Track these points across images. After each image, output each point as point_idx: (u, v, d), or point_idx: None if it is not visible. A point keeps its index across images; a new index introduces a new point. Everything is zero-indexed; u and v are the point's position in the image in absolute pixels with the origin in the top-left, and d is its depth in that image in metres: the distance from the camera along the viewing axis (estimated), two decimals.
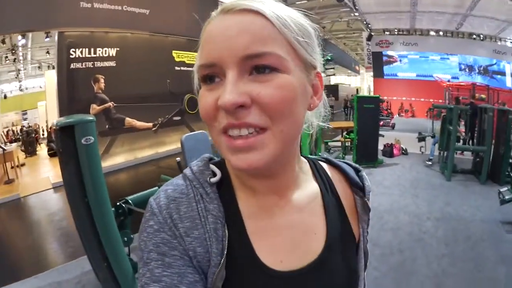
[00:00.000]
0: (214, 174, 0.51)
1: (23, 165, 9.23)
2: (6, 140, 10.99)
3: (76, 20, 6.53)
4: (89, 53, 6.76)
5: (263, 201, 0.51)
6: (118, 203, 2.62)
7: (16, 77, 15.41)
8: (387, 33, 16.77)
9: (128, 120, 7.62)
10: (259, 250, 0.48)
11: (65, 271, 3.09)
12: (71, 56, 6.51)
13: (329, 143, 8.01)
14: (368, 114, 6.31)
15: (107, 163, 7.05)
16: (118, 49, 7.28)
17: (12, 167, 7.77)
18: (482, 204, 4.40)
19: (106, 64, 7.12)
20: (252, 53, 0.39)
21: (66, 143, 2.03)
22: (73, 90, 6.65)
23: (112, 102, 7.22)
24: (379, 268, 2.90)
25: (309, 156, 0.62)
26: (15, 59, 12.92)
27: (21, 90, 16.67)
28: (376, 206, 4.20)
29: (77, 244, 3.00)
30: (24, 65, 14.55)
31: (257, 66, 0.40)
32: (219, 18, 0.43)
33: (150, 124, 8.04)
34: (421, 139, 7.24)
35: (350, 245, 0.57)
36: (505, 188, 3.92)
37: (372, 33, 16.73)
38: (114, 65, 7.25)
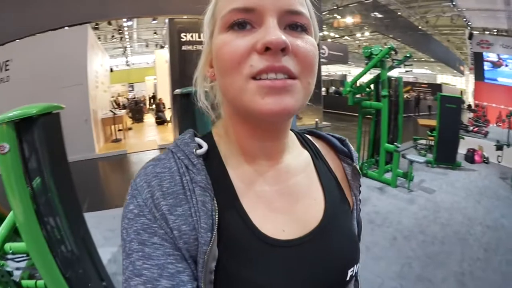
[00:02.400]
0: (200, 147, 0.51)
1: (130, 129, 11.22)
2: (116, 107, 13.21)
3: (183, 8, 8.10)
4: (199, 37, 8.23)
5: (257, 168, 0.52)
6: None
7: (123, 53, 18.06)
8: (487, 32, 15.43)
9: None
10: (258, 220, 0.48)
11: None
12: (182, 39, 8.15)
13: (418, 140, 8.14)
14: (449, 114, 6.37)
15: None
16: None
17: (120, 130, 9.66)
18: None
19: None
20: (295, 10, 0.44)
21: (186, 105, 3.04)
22: (184, 68, 8.22)
23: None
24: (415, 251, 3.34)
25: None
26: (121, 37, 15.21)
27: (127, 65, 19.43)
28: (438, 201, 4.63)
29: None
30: (131, 43, 16.95)
31: (293, 23, 0.44)
32: None
33: None
34: (499, 147, 7.06)
35: (347, 211, 0.59)
36: None
37: (473, 32, 15.61)
38: None
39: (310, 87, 0.46)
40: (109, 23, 12.28)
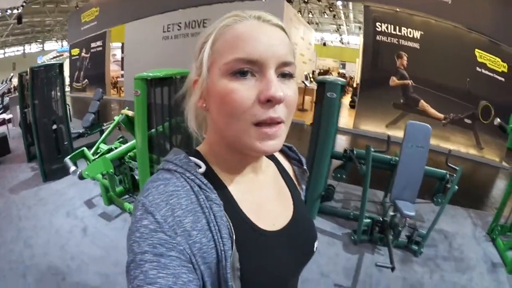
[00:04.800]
0: (197, 166, 0.59)
1: None
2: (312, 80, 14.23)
3: None
4: (394, 30, 7.99)
5: (246, 180, 0.64)
6: (346, 149, 3.65)
7: (337, 31, 18.86)
8: None
9: (423, 103, 8.28)
10: (256, 220, 0.60)
11: None
12: (377, 29, 8.08)
13: None
14: None
15: (391, 132, 8.20)
16: (422, 32, 8.05)
17: (311, 102, 10.64)
18: None
19: (410, 44, 8.13)
20: (287, 61, 0.53)
21: (320, 93, 3.33)
22: (376, 59, 8.31)
23: (411, 81, 8.21)
24: None
25: None
26: (334, 15, 15.86)
27: (341, 42, 20.21)
28: None
29: None
30: (347, 23, 17.53)
31: (285, 72, 0.53)
32: (256, 23, 0.54)
33: (441, 116, 8.30)
34: None
35: (303, 201, 0.77)
36: None
37: None
38: (418, 47, 8.12)
39: (288, 128, 0.56)
40: (319, 0, 12.99)
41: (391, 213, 3.25)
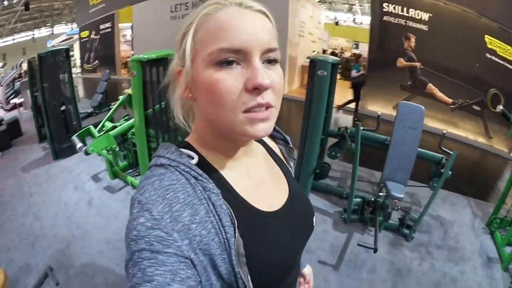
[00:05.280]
0: (189, 157, 0.59)
1: None
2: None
3: None
4: (402, 11, 7.93)
5: (240, 164, 0.65)
6: (339, 127, 3.75)
7: (349, 10, 18.77)
8: None
9: (431, 86, 8.22)
10: (255, 203, 0.61)
11: None
12: (384, 10, 8.04)
13: None
14: None
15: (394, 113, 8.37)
16: (430, 15, 7.94)
17: None
18: None
19: (418, 26, 8.04)
20: (272, 47, 0.53)
21: (311, 71, 3.38)
22: (383, 39, 8.36)
23: (419, 63, 8.17)
24: None
25: None
26: None
27: (354, 22, 20.00)
28: None
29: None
30: (360, 3, 17.41)
31: (270, 58, 0.54)
32: (238, 10, 0.53)
33: (450, 100, 8.20)
34: None
35: (295, 181, 0.79)
36: None
37: None
38: (426, 29, 8.03)
39: (278, 110, 0.57)
40: None
41: (381, 194, 3.20)
